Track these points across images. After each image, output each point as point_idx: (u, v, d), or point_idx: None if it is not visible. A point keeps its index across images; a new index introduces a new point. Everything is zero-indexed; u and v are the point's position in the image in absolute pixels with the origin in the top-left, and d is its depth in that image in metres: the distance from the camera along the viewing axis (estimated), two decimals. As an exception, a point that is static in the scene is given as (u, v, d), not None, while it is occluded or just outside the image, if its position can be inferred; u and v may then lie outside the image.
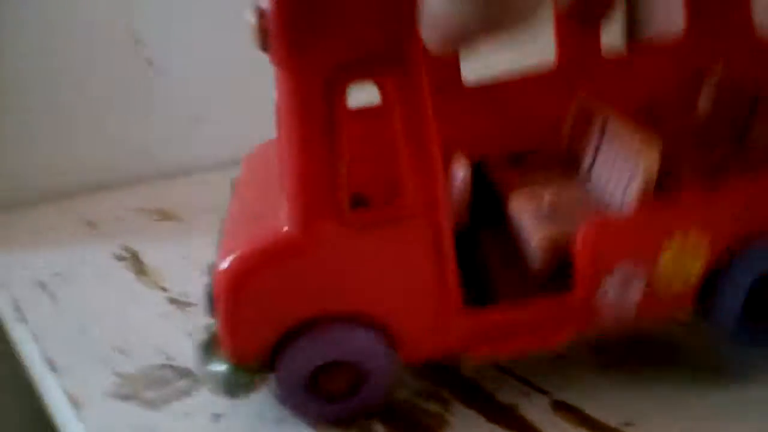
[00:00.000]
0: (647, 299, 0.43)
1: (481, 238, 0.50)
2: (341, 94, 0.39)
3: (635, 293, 0.42)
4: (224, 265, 0.43)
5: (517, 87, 0.55)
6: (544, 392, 0.46)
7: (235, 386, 0.43)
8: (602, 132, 0.47)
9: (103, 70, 1.04)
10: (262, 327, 0.43)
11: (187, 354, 0.55)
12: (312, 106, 0.39)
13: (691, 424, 0.42)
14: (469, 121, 0.54)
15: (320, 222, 0.41)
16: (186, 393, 0.50)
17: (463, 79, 0.55)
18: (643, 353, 0.48)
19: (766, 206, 0.42)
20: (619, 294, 0.42)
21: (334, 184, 0.40)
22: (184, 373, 0.52)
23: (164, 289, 0.68)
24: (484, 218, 0.50)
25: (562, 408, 0.45)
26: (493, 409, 0.45)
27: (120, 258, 0.77)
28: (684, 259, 0.42)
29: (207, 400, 0.49)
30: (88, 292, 0.69)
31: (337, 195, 0.40)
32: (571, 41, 0.53)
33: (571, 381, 0.47)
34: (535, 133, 0.53)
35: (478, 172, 0.52)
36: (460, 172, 0.49)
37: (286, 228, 0.42)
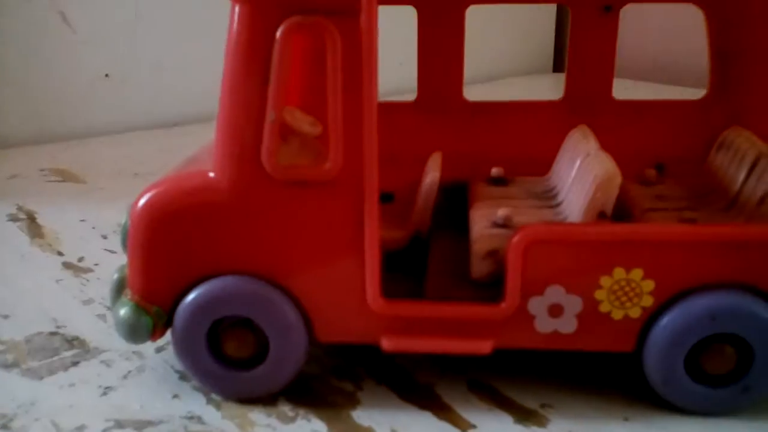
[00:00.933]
0: (582, 331, 0.39)
1: (438, 242, 0.48)
2: (289, 43, 0.37)
3: (569, 323, 0.39)
4: (142, 199, 0.41)
5: (517, 110, 0.55)
6: (461, 372, 0.44)
7: (135, 328, 0.40)
8: (579, 167, 0.45)
9: (12, 23, 0.98)
10: (170, 269, 0.40)
11: (79, 322, 0.51)
12: (259, 47, 0.37)
13: (607, 408, 0.41)
14: (464, 135, 0.54)
15: (244, 169, 0.39)
16: (74, 364, 0.46)
17: (464, 94, 0.55)
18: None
19: (714, 259, 0.38)
20: (550, 318, 0.39)
21: (264, 131, 0.38)
22: (74, 342, 0.48)
23: (60, 253, 0.63)
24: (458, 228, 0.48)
25: (479, 388, 0.43)
26: (407, 388, 0.43)
27: (14, 219, 0.71)
28: (623, 299, 0.39)
29: (97, 372, 0.45)
30: (-25, 253, 0.63)
31: (267, 144, 0.38)
32: (581, 76, 0.54)
33: (489, 363, 0.45)
34: (525, 158, 0.52)
35: (463, 189, 0.51)
36: (429, 176, 0.47)
37: (211, 173, 0.40)
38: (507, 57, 1.42)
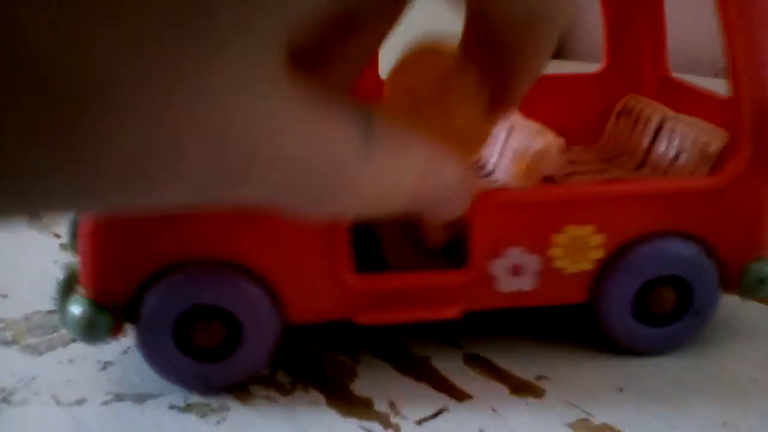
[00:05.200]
0: (541, 287, 0.41)
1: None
2: None
3: (529, 281, 0.41)
4: None
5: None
6: (457, 346, 0.45)
7: (92, 328, 0.38)
8: (509, 134, 0.47)
9: None
10: (129, 262, 0.38)
11: (77, 300, 0.51)
12: None
13: (602, 378, 0.41)
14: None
15: None
16: (73, 340, 0.46)
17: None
18: (556, 312, 0.47)
19: (656, 210, 0.41)
20: (512, 278, 0.41)
21: None
22: (72, 319, 0.48)
23: (57, 236, 0.63)
24: None
25: (475, 360, 0.43)
26: (404, 361, 0.43)
27: (11, 203, 0.72)
28: (576, 253, 0.40)
29: (96, 348, 0.45)
30: (-28, 236, 0.64)
31: None
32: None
33: (485, 336, 0.45)
34: None
35: None
36: None
37: None
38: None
